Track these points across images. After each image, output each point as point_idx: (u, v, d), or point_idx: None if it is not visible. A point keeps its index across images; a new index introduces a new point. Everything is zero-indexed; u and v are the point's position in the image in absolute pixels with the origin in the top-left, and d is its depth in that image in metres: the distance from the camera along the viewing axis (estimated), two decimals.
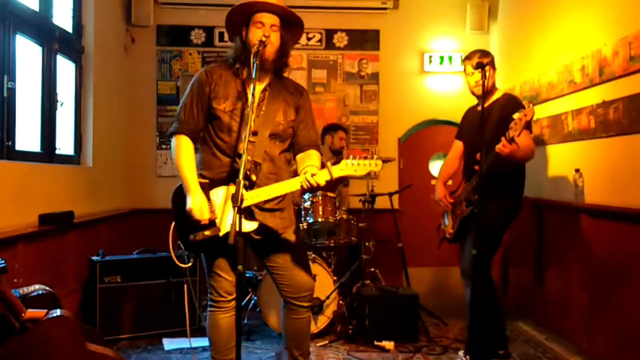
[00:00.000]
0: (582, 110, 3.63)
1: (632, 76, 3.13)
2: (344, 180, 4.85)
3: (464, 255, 3.38)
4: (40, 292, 2.52)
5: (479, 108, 3.26)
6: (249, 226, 2.41)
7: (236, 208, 2.11)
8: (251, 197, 2.39)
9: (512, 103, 3.31)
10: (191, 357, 3.55)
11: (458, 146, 3.66)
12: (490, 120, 3.21)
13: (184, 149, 2.53)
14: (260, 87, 2.56)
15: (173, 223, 2.55)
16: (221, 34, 5.44)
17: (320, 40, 5.61)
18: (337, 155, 4.65)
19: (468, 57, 3.40)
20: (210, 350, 2.71)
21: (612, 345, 3.25)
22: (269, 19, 2.50)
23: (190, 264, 2.60)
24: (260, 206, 2.51)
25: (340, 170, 2.38)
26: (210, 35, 5.48)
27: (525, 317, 4.40)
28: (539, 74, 4.34)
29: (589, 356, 3.45)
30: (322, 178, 2.36)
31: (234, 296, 2.61)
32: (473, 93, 3.41)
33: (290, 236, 2.66)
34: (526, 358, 3.56)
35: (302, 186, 2.39)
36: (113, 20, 5.05)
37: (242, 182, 2.16)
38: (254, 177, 2.42)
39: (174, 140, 2.56)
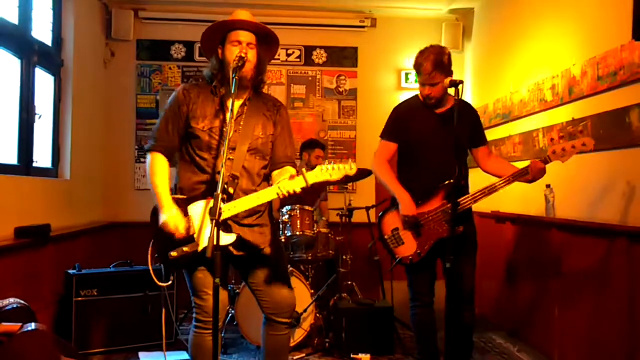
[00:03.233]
0: (552, 128, 3.74)
1: (599, 95, 3.24)
2: (321, 193, 4.90)
3: (459, 278, 2.94)
4: (15, 306, 2.51)
5: (438, 110, 3.07)
6: (227, 239, 2.41)
7: (214, 221, 2.14)
8: (228, 210, 2.38)
9: (471, 110, 3.20)
10: None
11: (392, 148, 3.18)
12: (457, 128, 2.79)
13: (158, 166, 2.54)
14: (238, 103, 2.57)
15: (152, 241, 2.54)
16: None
17: (299, 56, 5.68)
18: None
19: (434, 64, 2.95)
20: None
21: (582, 355, 3.33)
22: (245, 37, 2.52)
23: (170, 282, 2.58)
24: (239, 222, 2.52)
25: (315, 176, 2.37)
26: (190, 50, 5.52)
27: (498, 328, 4.47)
28: (511, 92, 4.46)
29: None
30: (297, 185, 2.36)
31: (220, 315, 2.60)
32: (430, 100, 3.04)
33: (270, 252, 2.66)
34: None
35: (278, 195, 2.38)
36: (93, 33, 5.07)
37: (220, 196, 2.18)
38: (231, 190, 2.43)
39: (148, 157, 2.57)
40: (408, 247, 3.03)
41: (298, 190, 2.36)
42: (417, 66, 3.02)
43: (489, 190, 2.93)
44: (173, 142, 2.58)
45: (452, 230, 2.73)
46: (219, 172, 2.29)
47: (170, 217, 2.41)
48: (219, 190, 2.19)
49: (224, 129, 2.49)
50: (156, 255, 2.52)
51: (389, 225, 3.09)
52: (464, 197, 2.96)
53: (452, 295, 2.93)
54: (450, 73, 2.99)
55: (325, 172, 2.37)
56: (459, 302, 3.00)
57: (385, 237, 3.09)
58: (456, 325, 2.98)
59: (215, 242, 2.13)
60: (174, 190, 2.59)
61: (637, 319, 2.83)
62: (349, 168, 2.37)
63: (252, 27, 2.54)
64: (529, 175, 2.87)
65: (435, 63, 2.93)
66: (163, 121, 2.58)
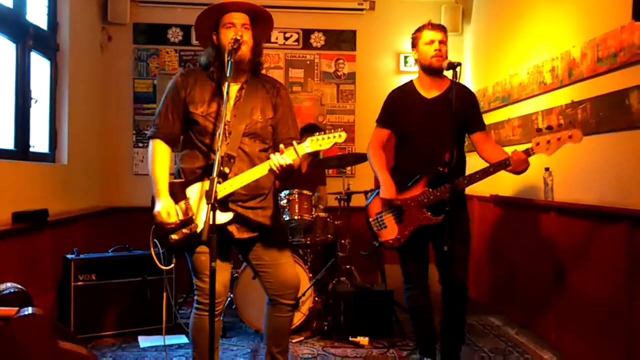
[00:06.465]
0: (552, 111, 3.72)
1: (599, 77, 3.22)
2: (320, 178, 4.89)
3: (450, 269, 2.98)
4: (11, 290, 2.51)
5: (430, 95, 3.05)
6: (223, 217, 2.42)
7: (210, 205, 2.14)
8: (224, 189, 2.39)
9: (469, 95, 3.13)
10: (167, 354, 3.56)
11: (384, 135, 3.20)
12: (452, 113, 2.76)
13: (158, 154, 2.55)
14: (236, 87, 2.56)
15: (153, 227, 2.53)
16: None
17: (297, 40, 5.64)
18: (314, 157, 4.67)
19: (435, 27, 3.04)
20: (192, 351, 2.69)
21: (579, 339, 3.34)
22: (240, 19, 2.51)
23: (172, 266, 2.58)
24: (242, 205, 2.52)
25: (306, 147, 2.39)
26: (187, 33, 5.48)
27: (496, 312, 4.49)
28: (511, 75, 4.43)
29: (557, 350, 3.54)
30: (289, 157, 2.37)
31: (222, 298, 2.63)
32: (430, 65, 2.99)
33: (274, 234, 2.67)
34: (497, 352, 3.64)
35: (271, 169, 2.38)
36: (89, 17, 5.02)
37: (216, 179, 2.18)
38: (227, 170, 2.43)
39: (150, 144, 2.59)
40: (390, 231, 3.03)
41: (291, 162, 2.37)
42: (427, 26, 3.05)
43: (468, 182, 2.88)
44: (173, 128, 2.58)
45: (449, 216, 2.73)
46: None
47: (162, 207, 2.43)
48: (214, 174, 2.19)
49: (221, 113, 2.48)
50: (156, 240, 2.51)
51: (374, 209, 3.10)
52: (443, 186, 2.89)
53: (445, 284, 2.99)
54: None
55: (316, 142, 2.39)
56: (451, 291, 3.01)
57: (370, 219, 3.10)
58: (449, 312, 3.03)
59: (210, 225, 2.13)
60: (177, 174, 2.60)
61: (636, 303, 2.83)
62: (337, 136, 2.40)
63: (244, 8, 2.53)
64: (511, 167, 2.80)
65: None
66: (163, 108, 2.59)
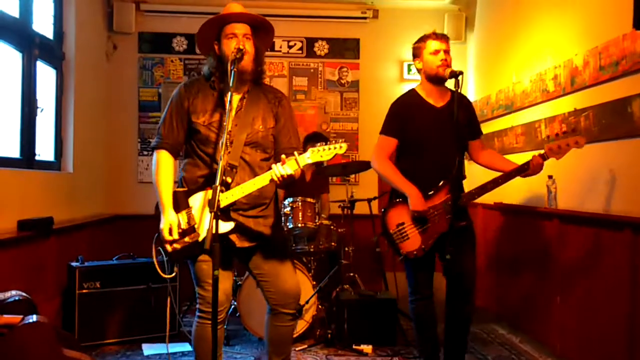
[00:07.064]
0: (554, 118, 3.72)
1: (601, 85, 3.22)
2: (324, 186, 4.90)
3: (460, 275, 2.95)
4: (16, 298, 2.52)
5: (438, 104, 3.09)
6: (224, 227, 2.43)
7: (213, 214, 2.15)
8: (226, 198, 2.40)
9: (469, 104, 3.23)
10: None
11: (392, 144, 3.15)
12: (456, 122, 2.79)
13: (162, 165, 2.57)
14: (238, 96, 2.59)
15: (156, 235, 2.55)
16: None
17: (301, 49, 5.67)
18: (318, 165, 4.68)
19: (438, 37, 3.09)
20: (194, 358, 2.70)
21: (583, 347, 3.32)
22: (241, 29, 2.53)
23: (174, 274, 2.60)
24: (243, 214, 2.53)
25: (307, 158, 2.39)
26: (192, 42, 5.51)
27: (500, 320, 4.48)
28: (514, 83, 4.43)
29: (561, 358, 3.52)
30: (290, 167, 2.37)
31: (224, 307, 2.64)
32: (437, 75, 3.02)
33: (275, 243, 2.68)
34: None
35: (273, 180, 2.39)
36: (94, 27, 5.07)
37: (218, 189, 2.19)
38: (229, 179, 2.45)
39: (154, 155, 2.61)
40: (413, 242, 2.99)
41: (292, 172, 2.37)
42: (431, 36, 3.10)
43: (491, 186, 2.94)
44: (178, 138, 2.60)
45: (453, 224, 2.76)
46: (218, 164, 2.30)
47: (164, 223, 2.46)
48: (217, 183, 2.20)
49: (223, 123, 2.50)
50: (159, 248, 2.53)
51: (393, 221, 3.05)
52: (468, 191, 2.96)
53: (453, 291, 2.94)
54: None
55: (317, 153, 2.40)
56: (459, 298, 2.98)
57: (391, 232, 3.04)
58: (455, 320, 2.98)
59: (213, 234, 2.14)
60: (180, 183, 2.62)
61: (639, 311, 2.82)
62: (338, 147, 2.41)
63: (246, 19, 2.56)
64: (529, 171, 2.93)
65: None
66: (167, 118, 2.61)
